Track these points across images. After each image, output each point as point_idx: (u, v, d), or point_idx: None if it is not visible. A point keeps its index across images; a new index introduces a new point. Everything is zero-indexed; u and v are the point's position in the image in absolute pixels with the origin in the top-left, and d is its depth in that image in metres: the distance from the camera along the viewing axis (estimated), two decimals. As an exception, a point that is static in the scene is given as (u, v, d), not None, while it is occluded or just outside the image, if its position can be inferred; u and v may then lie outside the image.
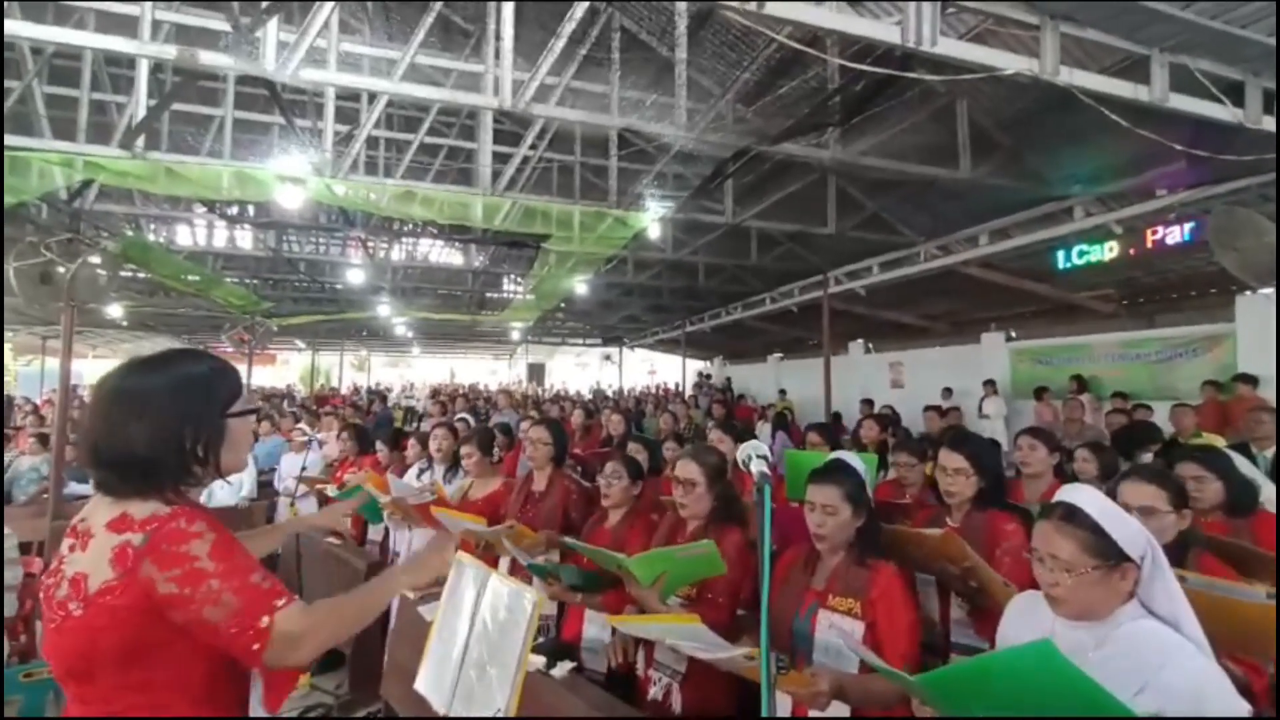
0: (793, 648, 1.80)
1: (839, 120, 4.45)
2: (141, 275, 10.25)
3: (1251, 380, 6.34)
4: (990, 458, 2.26)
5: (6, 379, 19.42)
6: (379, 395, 13.96)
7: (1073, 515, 1.30)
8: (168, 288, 10.52)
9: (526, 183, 7.62)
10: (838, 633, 1.60)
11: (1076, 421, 6.34)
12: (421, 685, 1.76)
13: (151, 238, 9.64)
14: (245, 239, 10.49)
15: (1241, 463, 2.49)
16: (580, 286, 10.30)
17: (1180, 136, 3.96)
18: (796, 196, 7.26)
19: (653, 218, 6.56)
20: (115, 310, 12.27)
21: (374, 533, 4.28)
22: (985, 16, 3.48)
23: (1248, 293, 7.20)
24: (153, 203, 8.17)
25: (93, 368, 20.76)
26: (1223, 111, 3.58)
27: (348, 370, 24.22)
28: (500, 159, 6.71)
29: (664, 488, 3.16)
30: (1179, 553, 1.80)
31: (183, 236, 10.55)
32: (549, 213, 7.01)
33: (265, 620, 1.00)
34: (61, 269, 6.52)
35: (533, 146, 6.60)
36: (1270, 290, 6.87)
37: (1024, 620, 1.47)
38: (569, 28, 4.06)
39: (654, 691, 2.04)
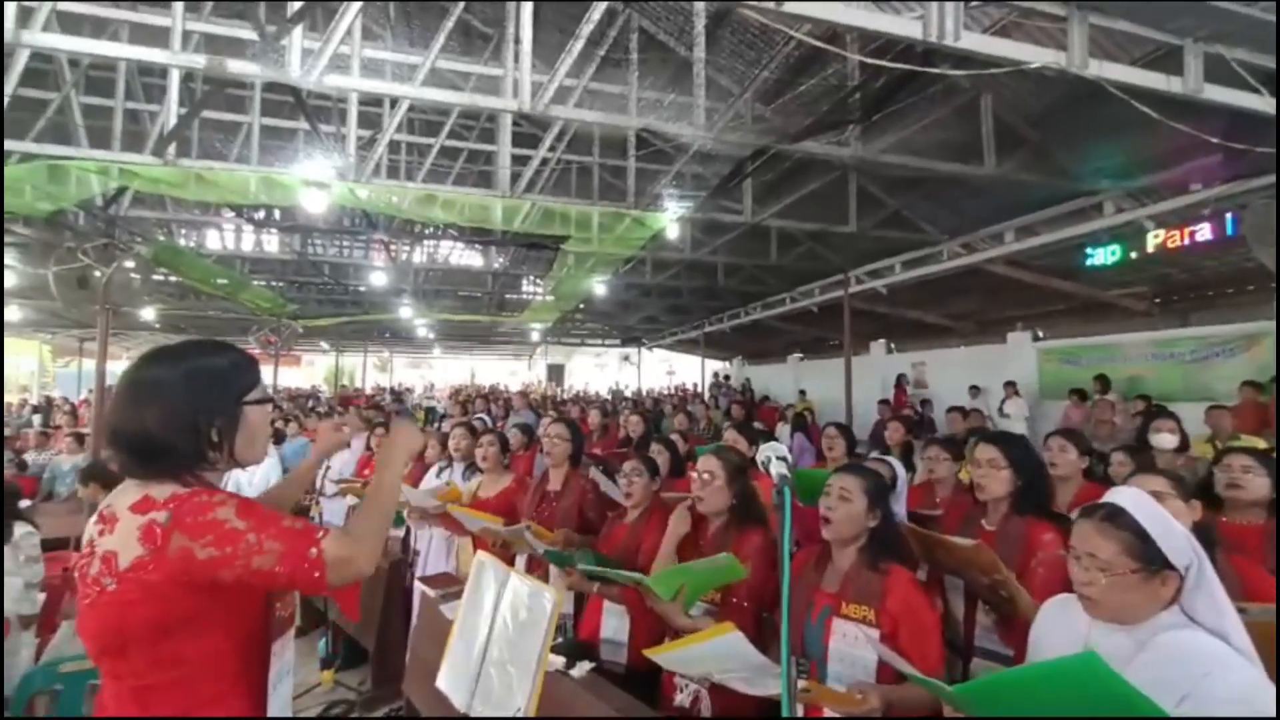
0: (804, 651, 1.77)
1: (860, 117, 4.40)
2: (173, 279, 10.54)
3: None
4: (1023, 453, 2.21)
5: (45, 380, 20.09)
6: (396, 396, 14.12)
7: (1116, 516, 1.27)
8: (198, 291, 10.81)
9: (545, 184, 7.67)
10: (856, 641, 1.56)
11: (1107, 423, 6.19)
12: (443, 683, 1.77)
13: (182, 242, 9.90)
14: (272, 243, 10.73)
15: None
16: (599, 287, 10.33)
17: (1215, 129, 3.83)
18: (816, 195, 7.19)
19: (671, 218, 6.56)
20: (148, 313, 12.63)
21: (394, 530, 4.34)
22: (1010, 9, 3.41)
23: (1288, 289, 6.94)
24: (183, 208, 8.39)
25: (127, 369, 21.29)
26: (1259, 102, 3.46)
27: (370, 371, 24.59)
28: (519, 161, 6.76)
29: (681, 487, 3.16)
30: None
31: (212, 240, 10.84)
32: (568, 214, 7.05)
33: (314, 551, 1.06)
34: (97, 273, 6.74)
35: (551, 148, 6.65)
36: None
37: (1058, 625, 1.43)
38: (587, 29, 4.08)
39: (680, 698, 2.02)
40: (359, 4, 3.61)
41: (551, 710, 1.77)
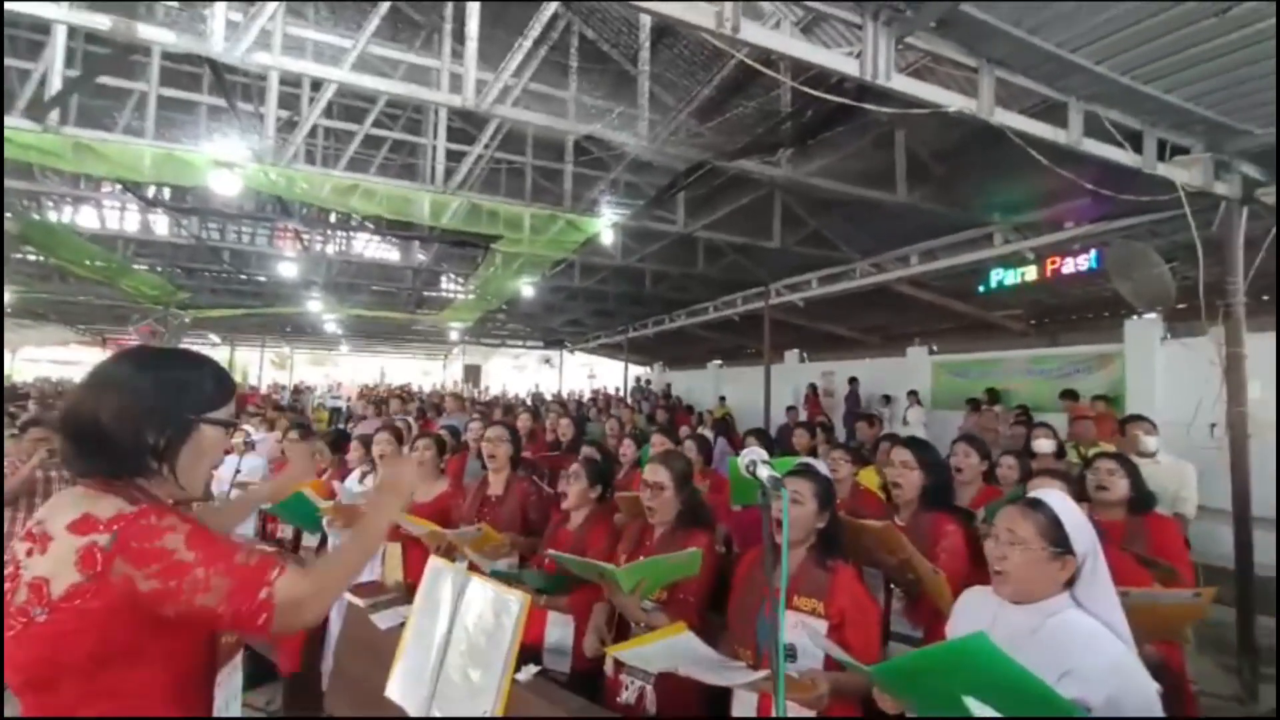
0: (757, 645, 1.88)
1: (792, 142, 4.67)
2: (33, 258, 9.32)
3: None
4: (932, 455, 2.46)
5: None
6: (296, 395, 12.98)
7: (1037, 504, 1.48)
8: (67, 273, 9.61)
9: (475, 182, 7.49)
10: (804, 631, 1.69)
11: (992, 431, 6.89)
12: (394, 692, 1.73)
13: (53, 217, 8.78)
14: (161, 224, 9.73)
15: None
16: (526, 289, 10.20)
17: (1088, 175, 4.41)
18: (745, 210, 7.51)
19: (606, 224, 6.61)
20: None
21: (309, 539, 4.09)
22: (925, 54, 3.76)
23: (1135, 317, 8.04)
24: (56, 180, 7.46)
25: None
26: (1125, 156, 4.03)
27: (267, 368, 22.81)
28: (450, 156, 6.58)
29: (623, 484, 3.21)
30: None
31: (87, 218, 9.66)
32: (498, 213, 6.92)
33: (265, 593, 1.00)
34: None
35: (485, 146, 6.52)
36: (1153, 315, 7.72)
37: (969, 613, 1.63)
38: (535, 30, 4.07)
39: (626, 695, 2.07)
40: (292, -20, 3.40)
41: (500, 712, 1.77)
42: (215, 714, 1.12)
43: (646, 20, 4.68)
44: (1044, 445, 4.27)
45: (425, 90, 4.14)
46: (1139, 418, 4.27)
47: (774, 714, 1.08)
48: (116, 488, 1.03)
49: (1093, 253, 6.71)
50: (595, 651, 2.16)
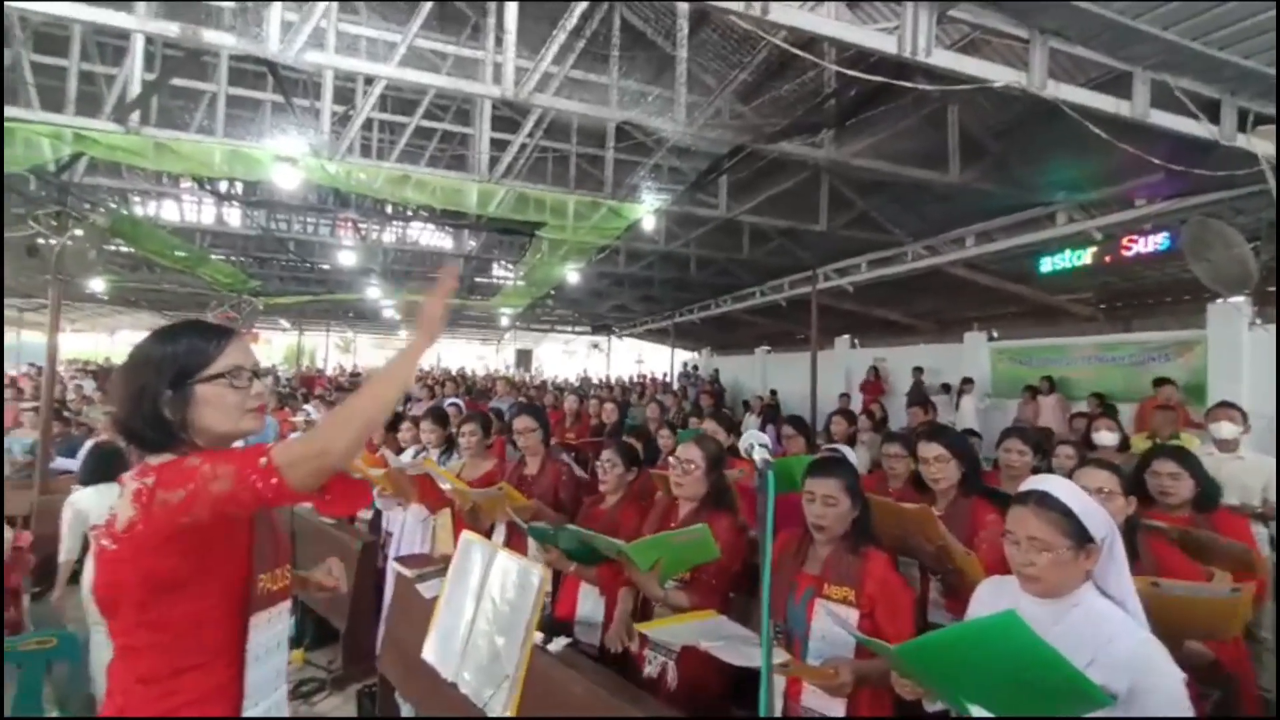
0: (789, 631, 1.89)
1: (834, 122, 4.55)
2: (125, 250, 10.10)
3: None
4: (964, 444, 2.41)
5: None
6: (356, 378, 13.62)
7: (1046, 499, 1.43)
8: (153, 263, 10.38)
9: (520, 170, 7.63)
10: (835, 620, 1.71)
11: (1028, 421, 6.56)
12: (429, 654, 1.86)
13: (138, 212, 9.50)
14: (233, 216, 10.37)
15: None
16: (571, 275, 10.34)
17: (1158, 150, 4.11)
18: (789, 193, 7.36)
19: (648, 209, 6.63)
20: (97, 284, 12.09)
21: (364, 513, 4.34)
22: (976, 27, 3.58)
23: (1218, 301, 7.45)
24: (141, 177, 8.06)
25: (72, 342, 20.37)
26: (1199, 128, 3.73)
27: (333, 352, 24.02)
28: (496, 145, 6.72)
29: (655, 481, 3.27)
30: (1129, 536, 1.97)
31: (169, 212, 10.40)
32: (543, 200, 7.04)
33: (263, 460, 1.04)
34: (47, 242, 6.45)
35: (529, 135, 6.63)
36: (1239, 299, 7.14)
37: (991, 601, 1.60)
38: (574, 19, 4.10)
39: (649, 669, 2.14)
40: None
41: (531, 682, 1.88)
42: (251, 656, 1.21)
43: (684, 7, 4.64)
44: (1105, 438, 4.05)
45: (465, 81, 4.25)
46: (1226, 404, 3.80)
47: (761, 699, 1.11)
48: (175, 449, 1.18)
49: (1166, 233, 6.24)
50: (620, 646, 2.20)
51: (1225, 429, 3.63)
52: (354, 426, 1.10)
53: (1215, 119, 3.78)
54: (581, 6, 3.85)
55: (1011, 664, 1.17)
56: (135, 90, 4.85)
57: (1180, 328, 8.34)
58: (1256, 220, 5.14)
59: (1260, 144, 3.89)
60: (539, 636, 2.17)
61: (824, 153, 5.16)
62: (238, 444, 1.24)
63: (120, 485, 1.15)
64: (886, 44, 2.93)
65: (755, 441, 1.14)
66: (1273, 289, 5.62)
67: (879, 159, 5.52)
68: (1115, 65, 3.49)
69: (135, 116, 5.01)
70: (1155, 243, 6.44)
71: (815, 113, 4.53)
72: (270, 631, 1.23)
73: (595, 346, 25.48)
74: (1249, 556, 2.29)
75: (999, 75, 3.17)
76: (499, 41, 4.45)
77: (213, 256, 10.79)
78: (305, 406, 6.02)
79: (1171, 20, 3.07)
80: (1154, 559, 2.06)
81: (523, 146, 6.49)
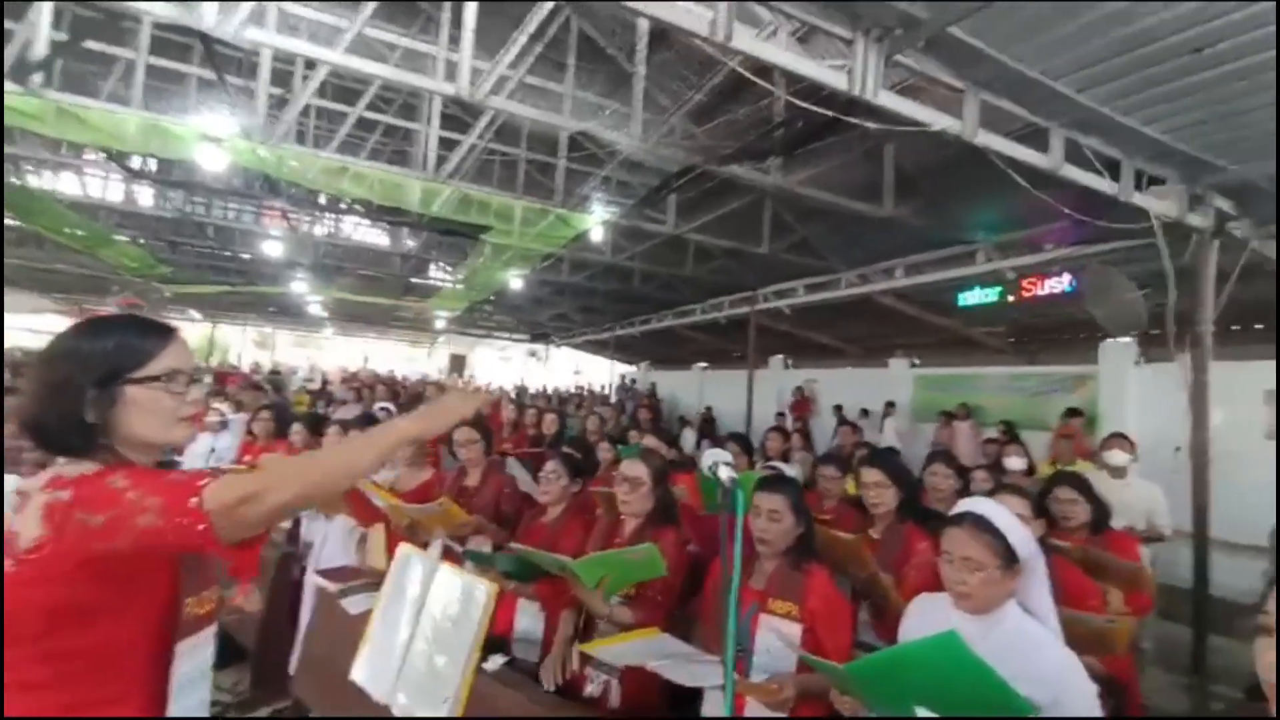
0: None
1: (782, 150, 4.73)
2: (14, 223, 9.10)
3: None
4: (904, 471, 2.53)
5: None
6: (273, 383, 12.33)
7: (982, 522, 1.52)
8: (44, 240, 9.41)
9: (468, 171, 7.48)
10: (778, 635, 1.73)
11: (944, 445, 7.02)
12: (359, 675, 1.75)
13: (34, 182, 8.59)
14: (145, 196, 9.57)
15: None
16: (515, 281, 10.18)
17: (1068, 200, 4.53)
18: (735, 215, 7.57)
19: (597, 220, 6.63)
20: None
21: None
22: (917, 73, 3.83)
23: (1110, 339, 8.23)
24: (38, 144, 7.32)
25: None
26: (1103, 184, 4.14)
27: (249, 347, 22.52)
28: (444, 144, 6.56)
29: (599, 483, 3.24)
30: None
31: (69, 185, 9.47)
32: (489, 204, 6.92)
33: (194, 500, 0.97)
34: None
35: (480, 136, 6.51)
36: (1128, 339, 7.91)
37: (923, 618, 1.68)
38: (534, 23, 4.08)
39: (591, 689, 2.09)
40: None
41: (468, 704, 1.80)
42: (176, 687, 1.10)
43: (644, 22, 4.71)
44: (1015, 463, 4.37)
45: (419, 77, 4.13)
46: (1119, 435, 4.20)
47: (725, 712, 1.12)
48: (91, 455, 1.05)
49: (1069, 276, 6.86)
50: (553, 682, 2.09)
51: (1117, 457, 3.99)
52: (305, 481, 1.04)
53: (1116, 177, 4.20)
54: (543, 10, 3.83)
55: (950, 680, 1.23)
56: (42, 51, 4.41)
57: (1077, 363, 9.12)
58: (1145, 269, 5.74)
59: (1153, 202, 4.35)
60: (472, 655, 2.09)
61: (771, 179, 5.35)
62: (175, 456, 1.13)
63: (18, 497, 1.02)
64: (838, 80, 3.09)
65: (719, 460, 1.15)
66: (1155, 332, 6.28)
67: (821, 189, 5.77)
68: (1036, 121, 3.81)
69: (37, 77, 4.56)
70: (1060, 285, 7.05)
71: (765, 139, 4.70)
72: (196, 659, 1.12)
73: (533, 354, 25.14)
74: (1139, 575, 2.55)
75: (937, 120, 3.40)
76: (453, 38, 4.36)
77: (118, 237, 9.90)
78: (214, 405, 5.56)
79: (1086, 84, 3.40)
80: (1058, 577, 2.24)
81: (472, 147, 6.36)
